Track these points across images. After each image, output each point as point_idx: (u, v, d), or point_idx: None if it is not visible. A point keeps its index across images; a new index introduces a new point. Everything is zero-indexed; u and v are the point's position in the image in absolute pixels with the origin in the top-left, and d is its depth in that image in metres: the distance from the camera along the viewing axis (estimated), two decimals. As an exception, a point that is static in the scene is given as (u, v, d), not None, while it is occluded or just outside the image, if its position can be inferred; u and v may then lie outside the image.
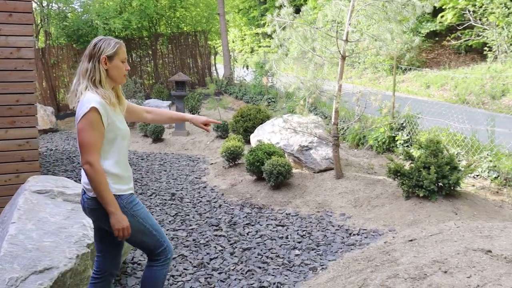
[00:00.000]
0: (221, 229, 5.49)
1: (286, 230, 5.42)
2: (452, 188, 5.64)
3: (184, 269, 4.43)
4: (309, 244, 4.95)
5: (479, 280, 2.82)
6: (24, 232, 3.46)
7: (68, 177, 7.04)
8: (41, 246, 3.34)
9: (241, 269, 4.41)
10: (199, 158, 9.69)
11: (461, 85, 14.84)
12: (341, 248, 4.80)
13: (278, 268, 4.41)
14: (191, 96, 14.45)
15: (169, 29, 21.46)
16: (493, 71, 14.87)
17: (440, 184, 5.61)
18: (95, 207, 2.72)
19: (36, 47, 19.66)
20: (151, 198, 6.78)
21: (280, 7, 6.90)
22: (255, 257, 4.67)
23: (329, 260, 4.50)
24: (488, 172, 6.67)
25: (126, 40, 18.81)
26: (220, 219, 5.86)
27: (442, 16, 18.65)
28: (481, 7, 16.43)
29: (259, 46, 30.29)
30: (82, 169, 2.68)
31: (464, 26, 17.30)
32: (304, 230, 5.36)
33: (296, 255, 4.70)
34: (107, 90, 2.71)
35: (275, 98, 14.57)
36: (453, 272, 2.98)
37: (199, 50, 20.47)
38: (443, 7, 18.21)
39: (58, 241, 3.45)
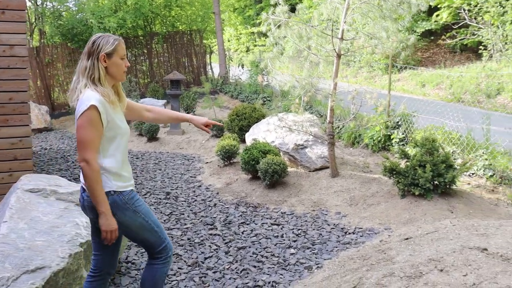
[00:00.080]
0: (216, 228, 5.46)
1: (281, 229, 5.40)
2: (447, 186, 5.62)
3: (179, 268, 4.40)
4: (305, 243, 4.93)
5: (475, 278, 2.80)
6: (16, 231, 3.42)
7: (62, 176, 6.99)
8: (33, 245, 3.30)
9: (236, 268, 4.38)
10: (194, 157, 9.66)
11: (457, 84, 14.86)
12: (336, 247, 4.78)
13: (273, 267, 4.38)
14: (186, 95, 14.41)
15: (164, 28, 21.39)
16: (488, 70, 14.90)
17: (435, 182, 5.60)
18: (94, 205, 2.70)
19: (31, 45, 19.59)
20: (145, 197, 6.74)
21: (275, 5, 6.87)
22: (250, 256, 4.64)
23: (325, 259, 4.48)
24: (483, 170, 6.67)
25: (121, 39, 18.71)
26: (215, 218, 5.83)
27: (437, 15, 18.68)
28: (476, 6, 16.47)
29: (255, 45, 30.30)
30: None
31: (459, 25, 17.33)
32: (299, 229, 5.34)
33: (291, 254, 4.67)
34: (107, 88, 2.69)
35: (271, 97, 14.54)
36: (449, 270, 2.96)
37: (195, 49, 20.41)
38: (439, 6, 18.24)
39: (50, 240, 3.42)
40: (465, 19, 16.81)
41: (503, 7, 15.75)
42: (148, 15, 20.21)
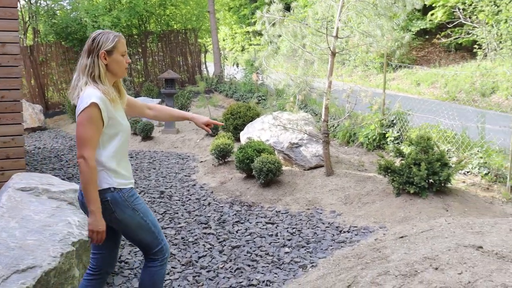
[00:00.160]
0: (210, 227, 5.43)
1: (276, 227, 5.37)
2: (442, 184, 5.61)
3: (172, 267, 4.36)
4: (299, 241, 4.90)
5: (470, 276, 2.78)
6: (7, 230, 3.38)
7: (56, 175, 6.94)
8: (24, 245, 3.26)
9: (230, 267, 4.35)
10: (188, 156, 9.62)
11: (451, 83, 14.87)
12: (331, 246, 4.75)
13: (267, 266, 4.35)
14: (181, 94, 14.36)
15: (159, 27, 21.33)
16: (483, 69, 14.92)
17: (430, 180, 5.58)
18: None
19: (24, 44, 19.50)
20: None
21: (270, 3, 6.85)
22: (244, 255, 4.61)
23: (319, 258, 4.45)
24: (478, 169, 6.66)
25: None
26: (209, 217, 5.80)
27: (432, 14, 18.71)
28: (470, 5, 16.49)
29: (250, 45, 30.25)
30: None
31: (454, 24, 17.36)
32: (294, 228, 5.31)
33: (286, 252, 4.65)
34: (107, 86, 2.67)
35: (266, 95, 14.52)
36: (444, 268, 2.94)
37: (189, 48, 20.37)
38: (433, 5, 18.27)
39: (42, 239, 3.38)
40: (459, 18, 16.83)
41: (498, 6, 15.77)
42: (143, 14, 20.16)
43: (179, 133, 11.63)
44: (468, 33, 17.02)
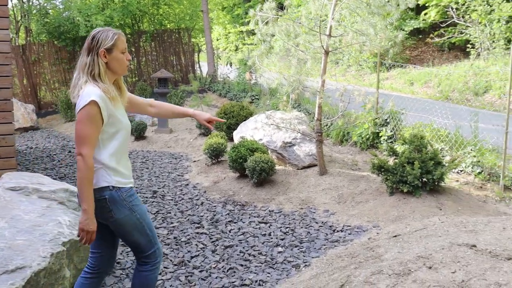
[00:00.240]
0: (203, 227, 5.40)
1: (269, 227, 5.35)
2: (436, 183, 5.61)
3: (165, 267, 4.33)
4: (292, 241, 4.88)
5: (464, 275, 2.77)
6: (-4, 231, 3.33)
7: (47, 175, 6.88)
8: (13, 245, 3.22)
9: (222, 267, 4.32)
10: (181, 156, 9.58)
11: (445, 82, 14.91)
12: (324, 245, 4.73)
13: (260, 266, 4.32)
14: (174, 94, 14.31)
15: (152, 26, 21.23)
16: (476, 68, 14.96)
17: (424, 179, 5.58)
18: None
19: (17, 43, 19.37)
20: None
21: (264, 1, 6.82)
22: (237, 255, 4.58)
23: (313, 257, 4.43)
24: (472, 167, 6.66)
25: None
26: (202, 216, 5.76)
27: (425, 14, 18.76)
28: (464, 4, 16.54)
29: (244, 44, 30.19)
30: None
31: (447, 23, 17.41)
32: (287, 227, 5.29)
33: (279, 252, 4.62)
34: (108, 84, 2.65)
35: (259, 95, 14.49)
36: (438, 267, 2.93)
37: (183, 48, 20.29)
38: (427, 5, 18.32)
39: (31, 239, 3.33)
40: (453, 18, 16.88)
41: (490, 6, 15.83)
42: (136, 13, 20.06)
43: (172, 133, 11.59)
44: (461, 33, 17.08)
